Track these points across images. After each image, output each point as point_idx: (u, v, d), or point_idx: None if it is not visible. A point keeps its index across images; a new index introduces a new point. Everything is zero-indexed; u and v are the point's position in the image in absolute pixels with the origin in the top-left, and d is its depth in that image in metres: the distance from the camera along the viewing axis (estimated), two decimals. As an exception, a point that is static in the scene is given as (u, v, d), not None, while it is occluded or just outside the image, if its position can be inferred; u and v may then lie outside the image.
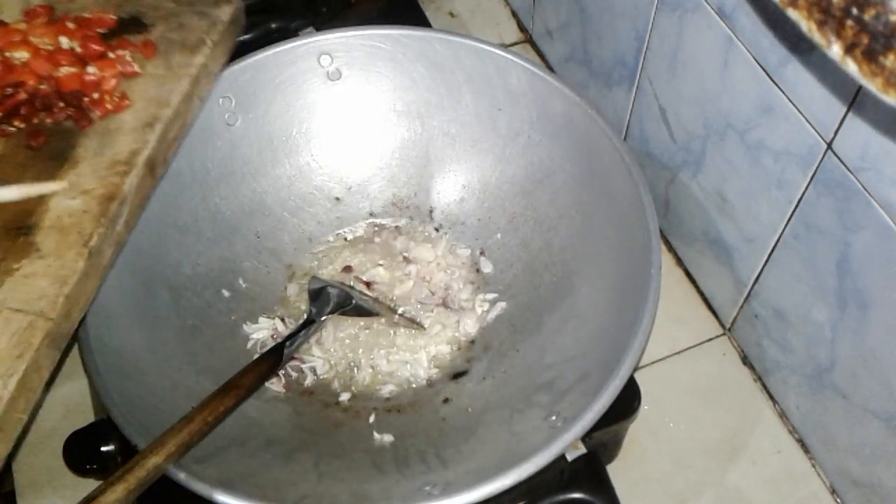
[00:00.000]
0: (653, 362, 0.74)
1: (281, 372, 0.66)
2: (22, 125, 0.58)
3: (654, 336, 0.60)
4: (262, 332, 0.68)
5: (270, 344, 0.67)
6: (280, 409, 0.64)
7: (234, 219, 0.72)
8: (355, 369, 0.67)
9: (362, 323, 0.68)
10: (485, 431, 0.60)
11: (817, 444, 0.68)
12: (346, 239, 0.74)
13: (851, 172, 0.52)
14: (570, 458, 0.59)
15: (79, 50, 0.60)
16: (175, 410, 0.54)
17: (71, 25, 0.62)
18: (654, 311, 0.57)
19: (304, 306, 0.70)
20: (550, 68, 0.92)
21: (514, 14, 0.99)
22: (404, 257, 0.72)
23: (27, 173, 0.55)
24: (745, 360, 0.74)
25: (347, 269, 0.71)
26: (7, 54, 0.60)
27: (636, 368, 0.66)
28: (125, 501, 0.49)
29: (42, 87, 0.59)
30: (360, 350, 0.68)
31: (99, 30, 0.62)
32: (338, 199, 0.75)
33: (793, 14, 0.36)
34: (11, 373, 0.46)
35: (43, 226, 0.53)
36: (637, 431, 0.69)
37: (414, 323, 0.68)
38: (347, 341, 0.68)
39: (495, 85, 0.71)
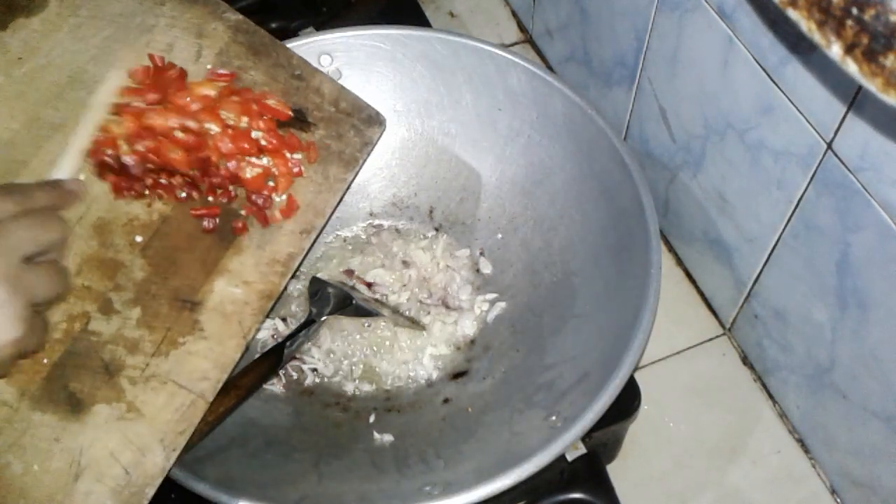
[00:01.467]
0: (653, 362, 0.74)
1: (281, 372, 0.66)
2: (196, 196, 0.57)
3: (654, 336, 0.60)
4: (262, 332, 0.68)
5: (270, 344, 0.67)
6: (280, 409, 0.64)
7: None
8: (355, 369, 0.67)
9: (362, 323, 0.68)
10: (485, 431, 0.60)
11: (817, 444, 0.67)
12: (345, 239, 0.74)
13: (851, 172, 0.52)
14: (570, 458, 0.59)
15: (263, 141, 0.58)
16: (175, 410, 0.55)
17: (254, 107, 0.58)
18: (654, 311, 0.57)
19: (304, 306, 0.70)
20: (550, 68, 0.92)
21: (514, 14, 0.99)
22: (404, 258, 0.72)
23: (196, 245, 0.56)
24: (745, 360, 0.74)
25: (349, 272, 0.71)
26: (197, 121, 0.57)
27: (636, 368, 0.67)
28: (125, 501, 0.49)
29: (222, 166, 0.57)
30: (360, 350, 0.68)
31: (275, 117, 0.60)
32: (338, 199, 0.75)
33: (793, 14, 0.36)
34: (174, 447, 0.50)
35: (207, 306, 0.54)
36: (637, 431, 0.69)
37: (414, 323, 0.68)
38: (347, 342, 0.68)
39: (495, 85, 0.71)
